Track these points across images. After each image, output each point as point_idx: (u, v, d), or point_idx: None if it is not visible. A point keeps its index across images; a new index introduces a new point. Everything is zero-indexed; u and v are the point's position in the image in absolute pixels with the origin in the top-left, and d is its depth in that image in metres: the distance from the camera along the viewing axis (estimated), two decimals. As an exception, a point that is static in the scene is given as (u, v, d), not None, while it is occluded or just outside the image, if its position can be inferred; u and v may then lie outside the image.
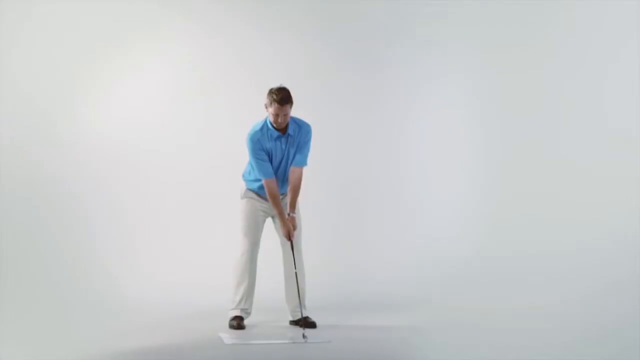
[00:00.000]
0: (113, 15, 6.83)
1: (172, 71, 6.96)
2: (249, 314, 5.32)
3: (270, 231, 5.43)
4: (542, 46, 7.07)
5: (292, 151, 5.25)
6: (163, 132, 6.91)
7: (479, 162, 7.19)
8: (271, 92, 5.12)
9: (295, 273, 5.24)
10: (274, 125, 5.17)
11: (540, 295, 6.03)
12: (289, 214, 5.25)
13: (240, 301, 5.29)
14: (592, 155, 6.90)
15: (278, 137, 5.21)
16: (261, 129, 5.22)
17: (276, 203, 5.23)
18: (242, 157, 6.48)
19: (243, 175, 5.42)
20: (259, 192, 5.34)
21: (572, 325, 5.28)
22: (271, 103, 5.10)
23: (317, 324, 5.27)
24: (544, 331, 5.10)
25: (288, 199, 5.29)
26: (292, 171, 5.26)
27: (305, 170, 5.33)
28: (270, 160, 5.23)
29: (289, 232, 5.25)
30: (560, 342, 4.86)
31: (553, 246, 6.66)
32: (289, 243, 5.29)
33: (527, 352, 4.66)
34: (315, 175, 5.63)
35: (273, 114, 5.11)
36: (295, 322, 5.35)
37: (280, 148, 5.23)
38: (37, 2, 6.76)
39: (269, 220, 5.44)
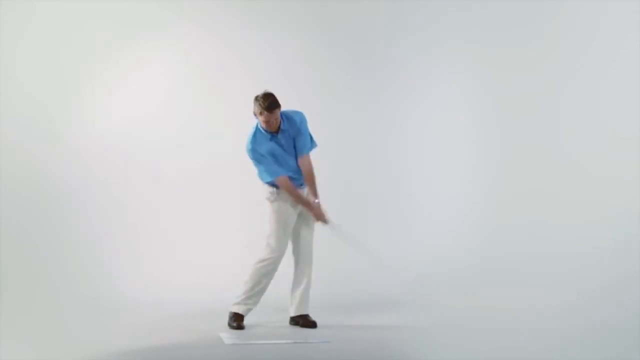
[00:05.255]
0: (113, 15, 6.83)
1: (172, 71, 6.96)
2: (250, 310, 5.32)
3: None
4: (543, 46, 7.06)
5: (291, 144, 5.27)
6: (163, 132, 6.91)
7: (479, 162, 7.19)
8: (257, 100, 5.14)
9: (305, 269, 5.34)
10: (267, 129, 5.20)
11: (540, 295, 6.03)
12: (315, 202, 5.28)
13: (248, 300, 5.27)
14: (592, 155, 6.89)
15: (272, 137, 5.23)
16: (254, 135, 5.24)
17: (299, 197, 5.26)
18: (242, 156, 6.46)
19: (263, 178, 5.32)
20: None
21: (572, 325, 5.28)
22: (261, 112, 5.13)
23: (317, 324, 5.28)
24: (544, 331, 5.10)
25: (307, 188, 5.31)
26: (301, 160, 5.29)
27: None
28: (277, 160, 5.25)
29: (321, 217, 5.29)
30: (561, 342, 4.86)
31: (553, 246, 6.66)
32: (305, 238, 5.33)
33: (527, 352, 4.66)
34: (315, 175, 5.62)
35: (264, 121, 5.15)
36: (295, 322, 5.35)
37: (278, 146, 5.24)
38: (38, 3, 6.76)
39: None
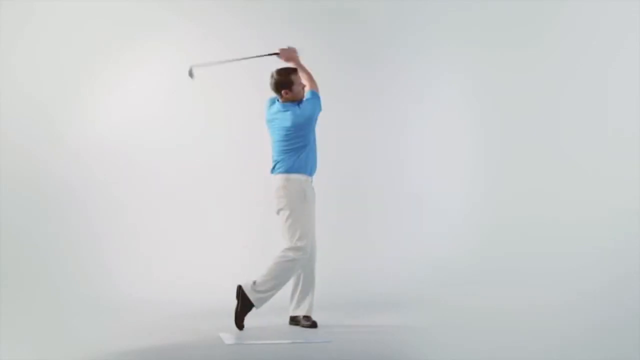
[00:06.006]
0: (113, 15, 6.84)
1: (172, 71, 6.95)
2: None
3: (275, 230, 5.41)
4: (543, 46, 7.07)
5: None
6: (163, 132, 6.91)
7: (479, 162, 7.20)
8: (289, 71, 5.36)
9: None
10: (300, 97, 5.35)
11: (540, 295, 6.04)
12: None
13: (271, 297, 5.20)
14: (592, 155, 6.90)
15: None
16: (294, 103, 5.35)
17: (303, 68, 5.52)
18: (242, 156, 6.47)
19: (291, 170, 5.27)
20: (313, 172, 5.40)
21: (572, 325, 5.28)
22: (294, 80, 5.33)
23: (317, 324, 5.28)
24: (544, 331, 5.10)
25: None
26: None
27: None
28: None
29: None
30: (561, 342, 4.86)
31: (553, 246, 6.66)
32: (314, 239, 5.32)
33: (527, 352, 4.66)
34: (315, 175, 5.63)
35: (300, 83, 5.36)
36: (295, 322, 5.35)
37: None
38: (38, 3, 6.76)
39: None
